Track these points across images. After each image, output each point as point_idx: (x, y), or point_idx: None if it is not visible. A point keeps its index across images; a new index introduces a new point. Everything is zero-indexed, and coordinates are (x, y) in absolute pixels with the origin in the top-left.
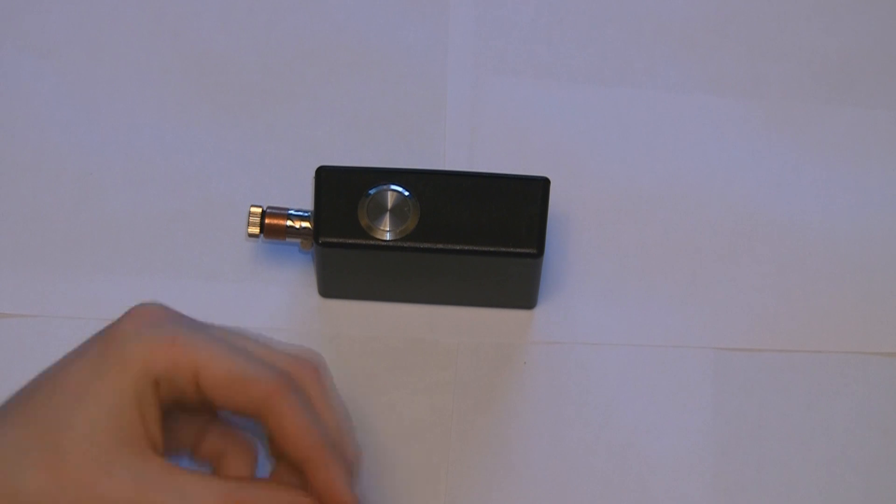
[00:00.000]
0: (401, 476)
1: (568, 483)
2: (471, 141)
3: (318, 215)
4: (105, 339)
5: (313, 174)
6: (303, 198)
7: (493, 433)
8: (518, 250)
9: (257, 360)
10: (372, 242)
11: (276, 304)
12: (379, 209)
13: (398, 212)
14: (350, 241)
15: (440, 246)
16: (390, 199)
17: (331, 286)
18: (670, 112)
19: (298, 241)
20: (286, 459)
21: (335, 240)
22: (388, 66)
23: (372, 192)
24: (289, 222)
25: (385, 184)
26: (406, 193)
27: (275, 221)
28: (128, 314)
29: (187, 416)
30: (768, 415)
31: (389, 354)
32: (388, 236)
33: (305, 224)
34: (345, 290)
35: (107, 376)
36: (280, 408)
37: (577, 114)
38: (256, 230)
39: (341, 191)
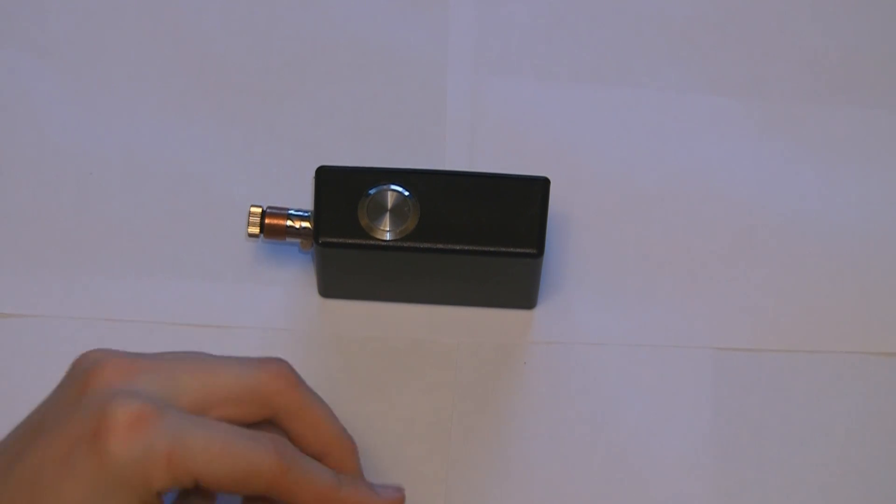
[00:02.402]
0: (401, 476)
1: (568, 483)
2: (471, 141)
3: (318, 215)
4: (95, 455)
5: (313, 174)
6: (303, 198)
7: (493, 433)
8: (518, 250)
9: (250, 437)
10: (372, 242)
11: (276, 304)
12: (379, 209)
13: (398, 212)
14: (350, 241)
15: (440, 246)
16: (390, 199)
17: (331, 286)
18: (670, 112)
19: (298, 241)
20: None
21: (335, 240)
22: (388, 66)
23: (372, 192)
24: (289, 222)
25: (385, 184)
26: (406, 193)
27: (275, 221)
28: (106, 403)
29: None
30: (768, 415)
31: (389, 354)
32: (388, 236)
33: (305, 224)
34: (345, 290)
35: (112, 502)
36: (285, 491)
37: (577, 114)
38: (256, 230)
39: (341, 191)
